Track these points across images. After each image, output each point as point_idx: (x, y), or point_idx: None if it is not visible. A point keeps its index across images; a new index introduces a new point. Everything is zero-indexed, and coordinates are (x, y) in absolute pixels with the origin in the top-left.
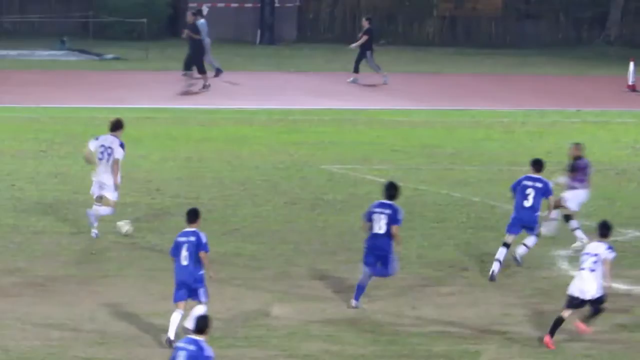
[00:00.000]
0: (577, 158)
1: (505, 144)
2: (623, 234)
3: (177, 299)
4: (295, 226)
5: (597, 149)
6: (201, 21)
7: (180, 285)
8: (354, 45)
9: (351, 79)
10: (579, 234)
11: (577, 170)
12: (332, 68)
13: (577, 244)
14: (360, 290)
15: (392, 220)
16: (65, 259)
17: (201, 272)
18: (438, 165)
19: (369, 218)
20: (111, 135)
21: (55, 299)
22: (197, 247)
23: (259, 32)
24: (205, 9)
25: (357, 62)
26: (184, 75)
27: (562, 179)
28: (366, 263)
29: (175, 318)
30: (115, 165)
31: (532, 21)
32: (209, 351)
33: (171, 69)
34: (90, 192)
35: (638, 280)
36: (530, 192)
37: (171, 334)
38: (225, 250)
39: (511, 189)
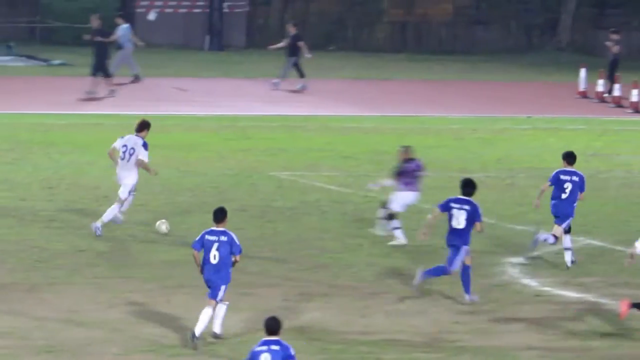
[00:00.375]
0: (406, 161)
1: (456, 150)
2: (574, 241)
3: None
4: (245, 233)
5: (548, 156)
6: (124, 26)
7: (208, 282)
8: (306, 54)
9: (299, 85)
10: (398, 233)
11: (404, 173)
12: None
13: (394, 242)
14: (465, 283)
15: (473, 216)
16: (12, 267)
17: (229, 270)
18: (388, 172)
19: (446, 209)
20: (136, 135)
21: (2, 307)
22: (231, 248)
23: (207, 37)
24: (153, 14)
25: (298, 67)
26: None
27: (387, 181)
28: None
29: (205, 315)
30: (140, 165)
31: (483, 27)
32: (292, 349)
33: (119, 74)
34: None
35: (590, 287)
36: (568, 186)
37: (197, 331)
38: (174, 258)
39: (550, 183)
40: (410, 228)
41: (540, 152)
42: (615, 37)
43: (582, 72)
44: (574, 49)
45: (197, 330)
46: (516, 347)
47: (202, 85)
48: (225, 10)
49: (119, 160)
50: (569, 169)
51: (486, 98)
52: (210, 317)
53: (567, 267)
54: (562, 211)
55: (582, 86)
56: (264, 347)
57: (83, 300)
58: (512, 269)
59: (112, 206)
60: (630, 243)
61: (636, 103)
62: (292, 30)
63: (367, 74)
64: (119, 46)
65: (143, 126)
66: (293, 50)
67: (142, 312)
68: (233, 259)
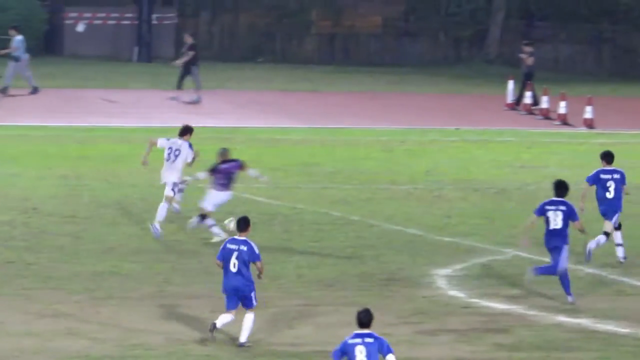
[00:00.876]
0: (222, 162)
1: (384, 162)
2: (502, 253)
3: (229, 308)
4: (173, 245)
5: (476, 168)
6: (18, 37)
7: (230, 293)
8: (178, 62)
9: (173, 95)
10: (215, 230)
11: (218, 172)
12: (210, 86)
13: (215, 239)
14: (563, 285)
15: (570, 215)
16: None
17: (251, 279)
18: (317, 184)
19: (542, 213)
20: (180, 139)
21: None
22: (250, 257)
23: (136, 49)
24: (82, 26)
25: (181, 79)
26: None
27: (202, 174)
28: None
29: (225, 317)
30: (185, 165)
31: (412, 39)
32: (385, 340)
33: (47, 86)
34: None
35: (517, 299)
36: (611, 184)
37: (219, 323)
38: (101, 269)
39: (589, 183)
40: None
41: (468, 164)
42: (528, 49)
43: (510, 84)
44: (503, 61)
45: (219, 323)
46: (444, 359)
47: (131, 96)
48: (154, 21)
49: (165, 161)
50: (608, 167)
51: (415, 110)
52: (229, 321)
53: (621, 262)
54: (610, 209)
55: (510, 98)
56: (358, 340)
57: (12, 311)
58: (440, 280)
59: (161, 204)
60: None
61: (564, 115)
62: (188, 40)
63: (296, 86)
64: (13, 58)
65: (185, 131)
66: (194, 60)
67: (72, 323)
68: (257, 266)
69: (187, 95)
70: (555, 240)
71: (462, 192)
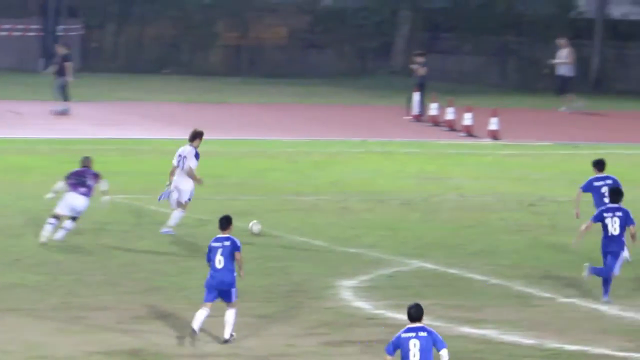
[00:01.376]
0: (82, 167)
1: (290, 174)
2: (407, 264)
3: (207, 300)
4: (78, 256)
5: (382, 180)
6: None
7: (211, 289)
8: (69, 77)
9: (59, 108)
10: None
11: (72, 177)
12: (116, 97)
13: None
14: (606, 285)
15: (627, 221)
16: None
17: (234, 274)
18: (223, 195)
19: (600, 219)
20: (189, 145)
21: None
22: (233, 249)
23: (41, 60)
24: None
25: (63, 89)
26: None
27: (59, 185)
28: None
29: (200, 314)
30: (190, 173)
31: (318, 51)
32: (438, 334)
33: None
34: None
35: (425, 311)
36: (606, 190)
37: (195, 325)
38: (7, 281)
39: (582, 191)
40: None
41: (374, 176)
42: (420, 59)
43: (416, 96)
44: (408, 72)
45: (195, 326)
46: None
47: (37, 108)
48: (60, 33)
49: (175, 169)
50: (600, 175)
51: (321, 121)
52: (205, 317)
53: (629, 262)
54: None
55: (415, 110)
56: (412, 334)
57: None
58: (346, 291)
59: (175, 212)
60: (463, 265)
61: (469, 127)
62: (60, 50)
63: (202, 97)
64: None
65: (195, 136)
66: (61, 71)
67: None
68: (236, 257)
69: (58, 106)
70: (612, 245)
71: (368, 204)
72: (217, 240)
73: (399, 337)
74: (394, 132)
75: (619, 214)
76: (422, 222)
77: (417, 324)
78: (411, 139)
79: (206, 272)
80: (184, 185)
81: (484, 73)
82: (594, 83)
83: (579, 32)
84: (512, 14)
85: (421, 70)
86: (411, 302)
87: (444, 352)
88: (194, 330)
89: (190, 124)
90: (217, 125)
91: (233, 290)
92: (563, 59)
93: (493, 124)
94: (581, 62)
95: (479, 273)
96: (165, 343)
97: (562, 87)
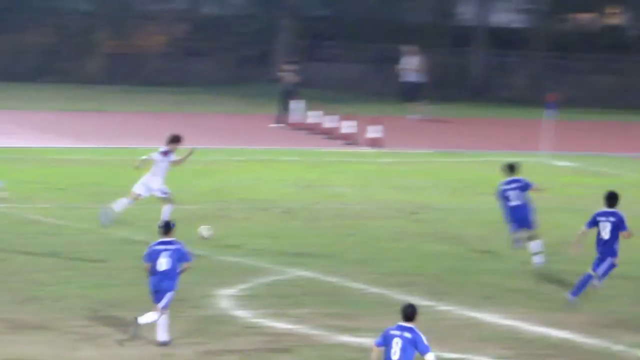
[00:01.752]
0: None
1: (170, 182)
2: (287, 273)
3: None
4: None
5: (263, 187)
6: None
7: (155, 290)
8: None
9: None
10: None
11: None
12: None
13: None
14: (580, 285)
15: (619, 226)
16: None
17: (175, 280)
18: (102, 204)
19: (594, 224)
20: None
21: None
22: (180, 257)
23: None
24: None
25: None
26: None
27: None
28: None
29: (152, 315)
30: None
31: (198, 58)
32: (424, 339)
33: None
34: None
35: (301, 319)
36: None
37: (142, 319)
38: None
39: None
40: None
41: (254, 184)
42: (290, 67)
43: (295, 105)
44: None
45: (142, 319)
46: None
47: None
48: None
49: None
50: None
51: (201, 129)
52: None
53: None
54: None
55: (296, 118)
56: (398, 332)
57: None
58: (225, 300)
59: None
60: (343, 274)
61: (350, 134)
62: None
63: (81, 106)
64: None
65: (172, 140)
66: None
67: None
68: (183, 266)
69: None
70: (602, 249)
71: (248, 212)
72: (161, 243)
73: (387, 332)
74: (274, 140)
75: (612, 219)
76: (302, 230)
77: (409, 324)
78: (292, 147)
79: (85, 281)
80: (154, 185)
81: (365, 81)
82: (474, 90)
83: (459, 39)
84: (393, 22)
85: (290, 77)
86: (290, 310)
87: (428, 357)
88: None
89: (69, 132)
90: (96, 133)
91: (168, 294)
92: (413, 66)
93: (374, 131)
94: (462, 70)
95: (358, 281)
96: (41, 353)
97: (411, 93)
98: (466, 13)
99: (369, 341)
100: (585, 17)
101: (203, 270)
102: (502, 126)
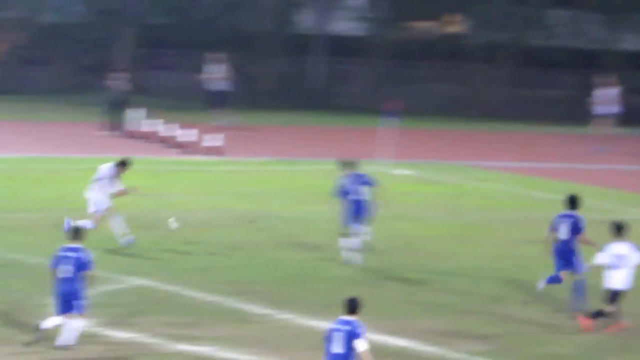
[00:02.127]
0: None
1: (7, 191)
2: (124, 281)
3: (60, 312)
4: None
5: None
6: None
7: (58, 298)
8: None
9: None
10: None
11: None
12: None
13: None
14: (553, 280)
15: (575, 229)
16: None
17: (79, 286)
18: None
19: (555, 228)
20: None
21: None
22: (82, 266)
23: None
24: None
25: None
26: None
27: None
28: (557, 266)
29: (56, 319)
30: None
31: (38, 67)
32: (363, 328)
33: None
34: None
35: (142, 327)
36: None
37: (45, 323)
38: None
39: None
40: None
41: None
42: (119, 75)
43: (135, 113)
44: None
45: (44, 324)
46: None
47: None
48: None
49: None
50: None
51: (40, 138)
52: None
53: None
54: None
55: (132, 126)
56: (337, 326)
57: None
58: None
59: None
60: (181, 282)
61: (189, 143)
62: None
63: None
64: None
65: (119, 164)
66: None
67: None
68: (86, 274)
69: None
70: (560, 249)
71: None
72: (66, 249)
73: (330, 328)
74: (111, 148)
75: (569, 220)
76: (140, 240)
77: (348, 317)
78: (128, 155)
79: None
80: (96, 197)
81: (200, 89)
82: (313, 98)
83: (299, 48)
84: (233, 30)
85: (118, 85)
86: (129, 319)
87: (357, 343)
88: (39, 326)
89: None
90: None
91: (76, 302)
92: (219, 74)
93: (213, 139)
94: (301, 78)
95: (197, 290)
96: None
97: (218, 101)
98: (306, 21)
99: (207, 350)
100: (425, 26)
101: (41, 280)
102: (341, 134)
